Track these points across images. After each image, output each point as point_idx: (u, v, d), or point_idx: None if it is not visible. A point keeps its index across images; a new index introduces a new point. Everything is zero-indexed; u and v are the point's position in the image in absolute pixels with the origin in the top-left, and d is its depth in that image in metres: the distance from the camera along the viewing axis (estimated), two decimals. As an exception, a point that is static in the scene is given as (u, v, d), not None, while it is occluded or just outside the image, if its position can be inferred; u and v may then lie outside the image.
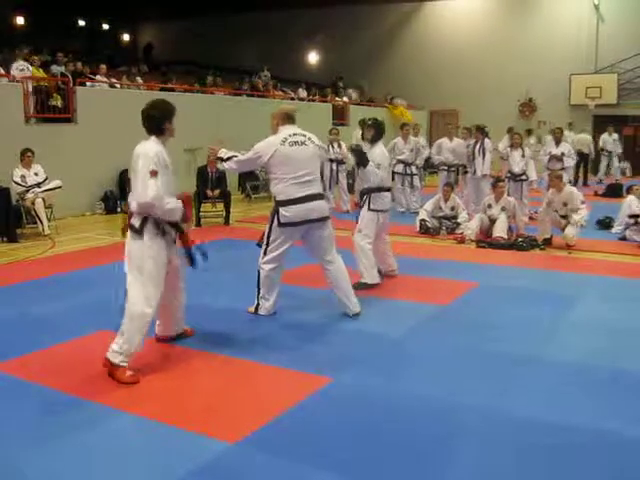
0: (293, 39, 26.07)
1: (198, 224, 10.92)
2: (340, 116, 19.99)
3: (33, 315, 5.85)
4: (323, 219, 5.54)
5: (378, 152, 6.77)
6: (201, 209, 11.09)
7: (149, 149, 4.46)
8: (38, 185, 9.92)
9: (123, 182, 12.91)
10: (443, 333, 5.37)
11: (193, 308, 6.02)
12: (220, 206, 11.36)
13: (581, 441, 3.54)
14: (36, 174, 10.00)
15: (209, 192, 11.06)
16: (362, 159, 6.68)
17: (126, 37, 30.84)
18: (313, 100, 20.26)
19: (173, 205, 4.51)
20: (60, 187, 10.10)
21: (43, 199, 9.81)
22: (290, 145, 5.37)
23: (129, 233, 4.53)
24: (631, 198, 10.05)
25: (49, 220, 10.01)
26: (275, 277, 5.72)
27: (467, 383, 4.32)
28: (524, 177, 11.27)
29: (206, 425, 3.69)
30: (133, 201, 4.47)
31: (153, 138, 4.57)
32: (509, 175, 11.37)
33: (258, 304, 5.79)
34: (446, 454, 3.42)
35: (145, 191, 4.33)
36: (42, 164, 10.14)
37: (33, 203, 9.70)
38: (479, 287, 6.77)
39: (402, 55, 25.57)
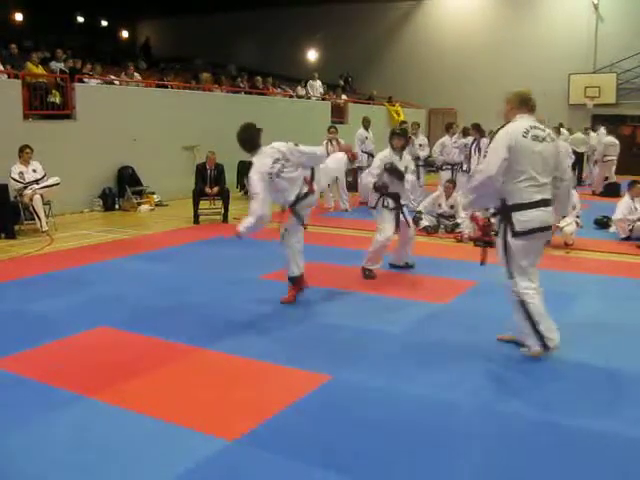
0: (293, 37, 26.06)
1: (196, 221, 10.92)
2: (339, 114, 19.98)
3: (31, 312, 5.84)
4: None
5: (407, 158, 7.40)
6: (199, 206, 11.08)
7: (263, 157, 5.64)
8: (36, 182, 9.88)
9: (121, 179, 12.92)
10: (443, 331, 5.37)
11: (191, 305, 6.04)
12: (218, 203, 11.35)
13: (577, 440, 3.54)
14: (34, 171, 9.97)
15: (208, 189, 11.05)
16: (399, 175, 7.12)
17: (125, 34, 30.80)
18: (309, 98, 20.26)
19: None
20: (58, 184, 10.07)
21: (41, 196, 9.79)
22: (532, 139, 4.54)
23: None
24: (627, 197, 10.00)
25: (47, 217, 9.99)
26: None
27: (467, 382, 4.31)
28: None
29: (204, 422, 3.69)
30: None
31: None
32: None
33: (544, 341, 4.64)
34: (446, 453, 3.41)
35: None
36: (40, 161, 10.12)
37: (31, 200, 9.67)
38: (478, 285, 6.77)
39: (401, 53, 25.58)
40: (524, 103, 4.73)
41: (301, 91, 20.35)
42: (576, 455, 3.39)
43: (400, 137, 7.32)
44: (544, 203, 4.58)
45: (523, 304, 4.64)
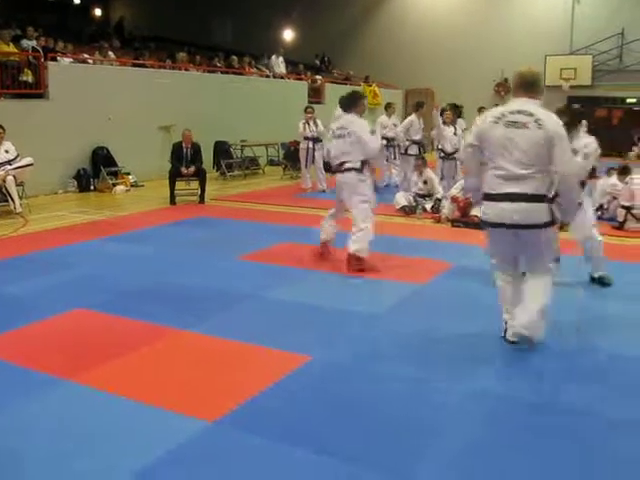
0: (269, 16, 25.76)
1: (173, 202, 10.82)
2: (316, 94, 19.88)
3: (7, 294, 5.76)
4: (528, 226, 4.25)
5: None
6: (176, 187, 10.97)
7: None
8: (9, 162, 9.70)
9: (96, 160, 12.75)
10: (422, 312, 5.39)
11: (169, 286, 5.99)
12: (195, 184, 11.23)
13: (563, 423, 3.57)
14: (7, 151, 9.77)
15: (184, 170, 10.91)
16: None
17: (98, 12, 30.23)
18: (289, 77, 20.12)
19: None
20: (32, 165, 9.90)
21: (14, 177, 9.62)
22: (506, 125, 4.17)
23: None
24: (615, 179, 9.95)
25: (21, 198, 9.83)
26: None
27: (446, 362, 4.34)
28: (457, 155, 10.67)
29: (184, 404, 3.67)
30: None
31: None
32: (442, 155, 10.94)
33: (505, 328, 4.59)
34: (428, 433, 3.43)
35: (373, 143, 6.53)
36: (13, 141, 9.93)
37: (4, 181, 9.50)
38: (456, 266, 6.80)
39: (378, 33, 25.45)
40: (519, 85, 4.33)
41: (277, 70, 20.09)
42: (560, 436, 3.42)
43: None
44: (511, 197, 4.14)
45: (498, 288, 4.67)
